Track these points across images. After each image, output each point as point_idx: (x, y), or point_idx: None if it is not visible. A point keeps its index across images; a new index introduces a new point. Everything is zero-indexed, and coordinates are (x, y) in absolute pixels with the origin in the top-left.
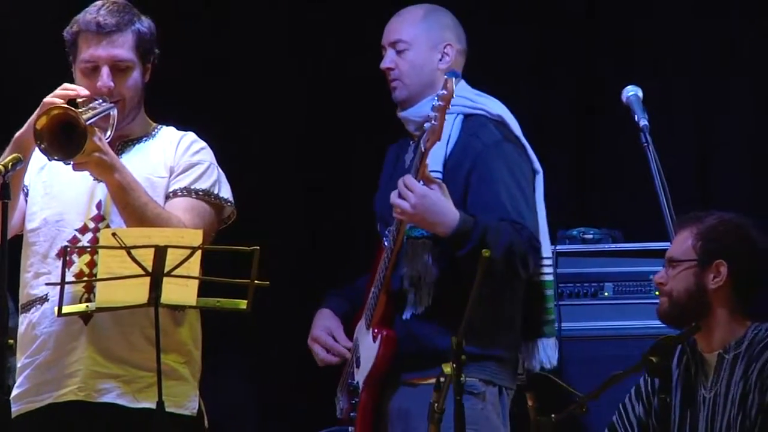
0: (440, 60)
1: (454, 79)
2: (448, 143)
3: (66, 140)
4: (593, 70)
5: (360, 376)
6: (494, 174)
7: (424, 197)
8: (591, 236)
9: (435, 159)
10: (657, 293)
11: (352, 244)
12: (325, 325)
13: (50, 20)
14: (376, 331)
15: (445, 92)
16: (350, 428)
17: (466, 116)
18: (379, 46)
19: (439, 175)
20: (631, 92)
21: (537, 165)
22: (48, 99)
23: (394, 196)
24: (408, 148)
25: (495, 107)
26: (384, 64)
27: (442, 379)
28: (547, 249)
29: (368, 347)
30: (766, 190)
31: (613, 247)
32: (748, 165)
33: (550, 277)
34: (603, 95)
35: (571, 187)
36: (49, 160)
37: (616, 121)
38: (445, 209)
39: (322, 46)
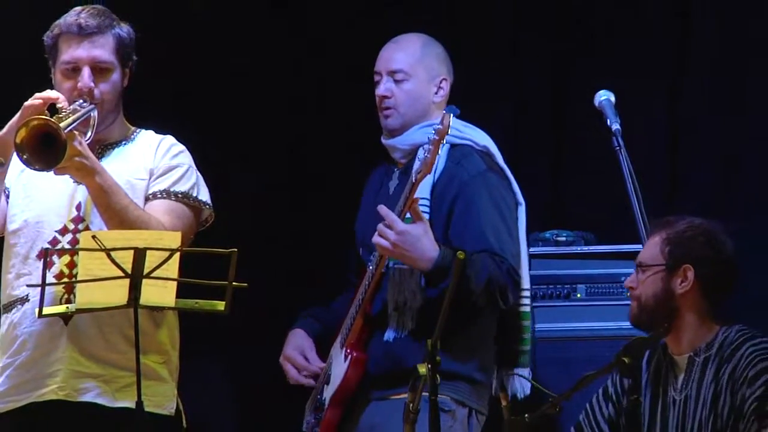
0: (435, 93)
1: (451, 115)
2: (435, 171)
3: (47, 150)
4: (567, 75)
5: (328, 393)
6: (478, 204)
7: (403, 235)
8: (564, 238)
9: (422, 187)
10: (628, 295)
11: (330, 249)
12: (297, 344)
13: (27, 23)
14: (348, 351)
15: (441, 127)
16: None
17: (453, 146)
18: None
19: (427, 203)
20: (604, 97)
21: (520, 197)
22: (28, 103)
23: (376, 235)
24: (392, 174)
25: (481, 138)
26: (380, 92)
27: (417, 382)
28: (526, 280)
29: (339, 366)
30: (735, 190)
31: (585, 249)
32: (719, 166)
33: (527, 309)
34: (577, 100)
35: (545, 190)
36: (31, 169)
37: (590, 124)
38: (425, 246)
39: (308, 51)
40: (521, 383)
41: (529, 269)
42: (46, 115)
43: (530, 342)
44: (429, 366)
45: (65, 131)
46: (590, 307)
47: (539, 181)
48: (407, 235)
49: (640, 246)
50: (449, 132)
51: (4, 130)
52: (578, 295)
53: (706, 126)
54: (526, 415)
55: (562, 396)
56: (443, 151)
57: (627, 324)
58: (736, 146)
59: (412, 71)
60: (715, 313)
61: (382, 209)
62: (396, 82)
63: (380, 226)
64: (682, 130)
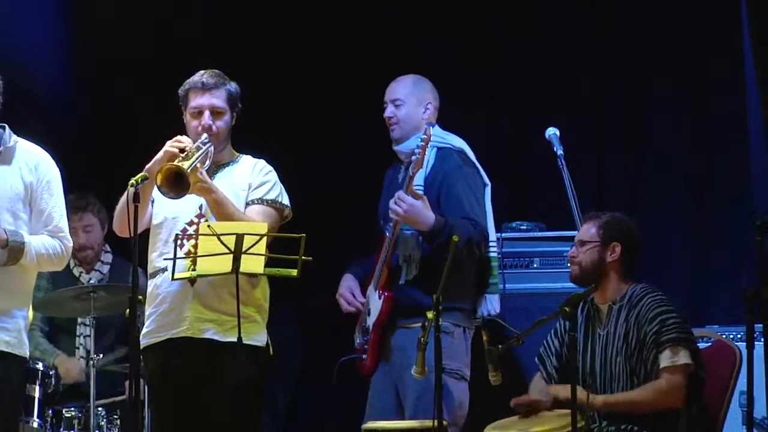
0: (424, 113)
1: (431, 128)
2: (426, 167)
3: (176, 185)
4: (525, 115)
5: (370, 321)
6: (457, 186)
7: (411, 206)
8: (525, 227)
9: (417, 178)
10: (568, 264)
11: (360, 238)
12: (348, 285)
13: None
14: (380, 292)
15: (425, 137)
16: (364, 356)
17: (438, 148)
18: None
19: (421, 188)
20: (552, 131)
21: (486, 179)
22: (167, 147)
23: (392, 203)
24: (400, 170)
25: (457, 142)
26: (386, 114)
27: (426, 323)
28: (492, 235)
29: (375, 302)
30: (643, 193)
31: (539, 234)
32: (629, 177)
33: (494, 254)
34: (532, 134)
35: (512, 196)
36: (166, 198)
37: (542, 150)
38: (426, 214)
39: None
40: (492, 304)
41: (502, 248)
42: (179, 157)
43: (497, 277)
44: (434, 312)
45: (190, 167)
46: (543, 273)
47: (508, 190)
48: (413, 206)
49: (576, 232)
50: (436, 140)
51: (151, 163)
52: (535, 265)
53: (620, 150)
54: (500, 346)
55: (523, 333)
56: (432, 153)
57: (568, 285)
58: (643, 163)
59: (406, 99)
60: (629, 275)
61: (398, 193)
62: (396, 106)
63: (395, 198)
64: (603, 154)
